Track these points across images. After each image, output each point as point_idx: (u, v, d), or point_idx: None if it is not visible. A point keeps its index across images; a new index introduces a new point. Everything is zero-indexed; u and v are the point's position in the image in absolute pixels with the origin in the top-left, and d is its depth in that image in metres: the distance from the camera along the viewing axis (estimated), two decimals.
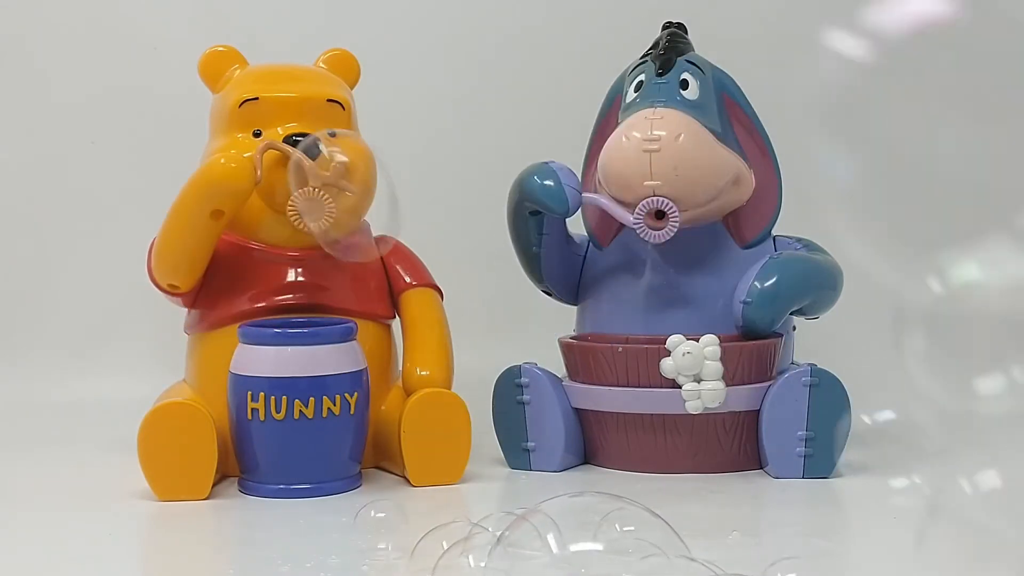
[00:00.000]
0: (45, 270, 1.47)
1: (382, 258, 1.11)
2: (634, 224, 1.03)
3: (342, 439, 0.99)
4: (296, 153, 1.01)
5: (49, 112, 1.48)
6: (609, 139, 1.06)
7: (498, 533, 0.72)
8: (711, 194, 1.04)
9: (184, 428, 0.97)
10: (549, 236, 1.10)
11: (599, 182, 1.08)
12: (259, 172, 1.01)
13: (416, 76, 1.47)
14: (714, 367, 1.01)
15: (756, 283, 1.03)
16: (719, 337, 1.01)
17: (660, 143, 1.02)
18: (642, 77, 1.08)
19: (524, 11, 1.48)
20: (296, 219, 1.01)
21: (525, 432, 1.07)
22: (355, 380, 1.00)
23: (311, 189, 1.01)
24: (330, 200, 1.01)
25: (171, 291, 1.05)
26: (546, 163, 1.06)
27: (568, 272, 1.12)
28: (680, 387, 1.01)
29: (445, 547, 0.74)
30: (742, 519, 0.92)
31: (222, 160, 1.00)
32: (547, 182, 1.05)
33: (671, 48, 1.08)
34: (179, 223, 1.02)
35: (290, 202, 1.01)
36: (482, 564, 0.72)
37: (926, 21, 0.64)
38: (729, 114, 1.07)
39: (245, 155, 1.01)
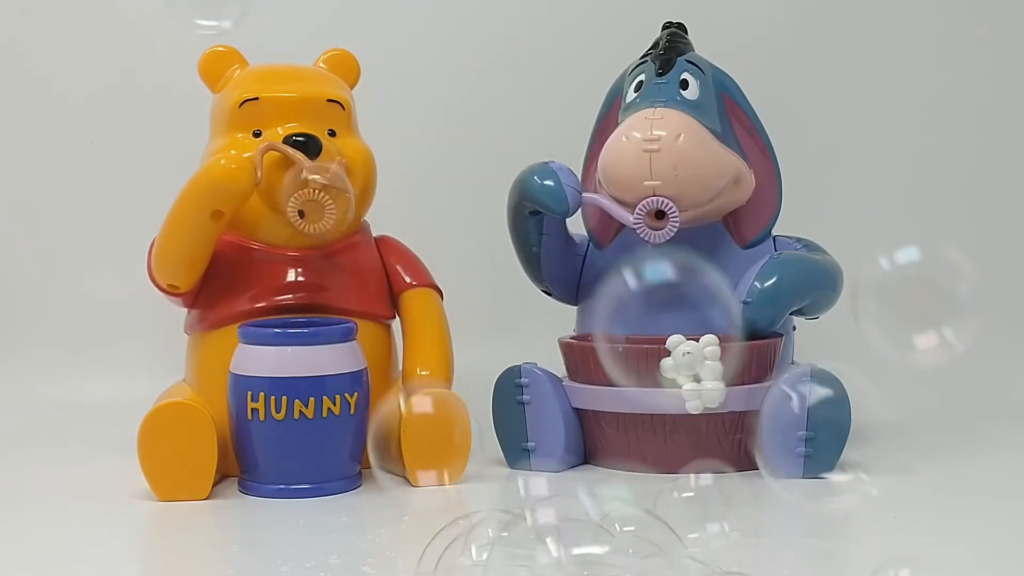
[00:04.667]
0: (45, 270, 1.47)
1: (382, 258, 1.11)
2: (634, 224, 1.03)
3: (342, 439, 0.99)
4: (297, 155, 1.01)
5: (49, 112, 1.48)
6: (609, 139, 1.06)
7: (498, 533, 0.72)
8: (711, 194, 1.04)
9: (184, 428, 0.97)
10: (549, 236, 1.10)
11: (599, 182, 1.08)
12: (259, 173, 1.01)
13: (416, 76, 1.47)
14: (714, 367, 1.00)
15: (756, 283, 1.03)
16: (719, 337, 1.01)
17: (660, 143, 1.02)
18: (642, 77, 1.08)
19: (524, 11, 1.48)
20: (296, 221, 1.01)
21: (525, 432, 1.07)
22: (355, 380, 1.00)
23: (311, 191, 1.01)
24: (330, 201, 1.02)
25: (171, 291, 1.05)
26: (546, 163, 1.06)
27: (568, 272, 1.12)
28: (680, 387, 1.01)
29: (446, 548, 0.74)
30: (742, 519, 0.92)
31: (222, 161, 1.00)
32: (547, 182, 1.05)
33: (671, 48, 1.08)
34: (179, 223, 1.02)
35: (290, 204, 1.01)
36: (482, 564, 0.72)
37: None
38: (729, 114, 1.07)
39: (245, 155, 1.02)
